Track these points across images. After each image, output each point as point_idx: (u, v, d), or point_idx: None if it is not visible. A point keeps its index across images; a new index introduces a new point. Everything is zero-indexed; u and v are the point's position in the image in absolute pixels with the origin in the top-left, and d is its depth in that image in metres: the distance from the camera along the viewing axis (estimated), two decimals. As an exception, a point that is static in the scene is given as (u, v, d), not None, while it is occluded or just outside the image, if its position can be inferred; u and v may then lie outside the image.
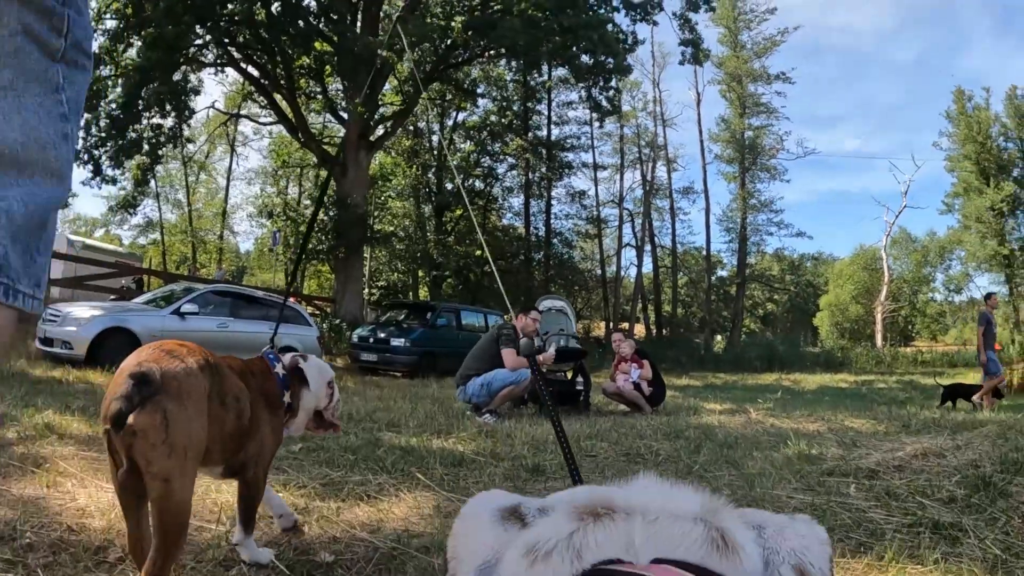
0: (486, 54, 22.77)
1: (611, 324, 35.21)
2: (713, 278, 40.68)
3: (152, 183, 34.71)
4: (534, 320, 7.64)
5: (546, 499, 0.72)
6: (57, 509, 2.48)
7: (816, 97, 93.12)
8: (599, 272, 39.57)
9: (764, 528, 0.67)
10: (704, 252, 39.10)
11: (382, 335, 15.66)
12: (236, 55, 21.30)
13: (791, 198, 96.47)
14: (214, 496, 2.85)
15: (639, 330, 36.62)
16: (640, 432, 5.66)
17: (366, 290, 24.12)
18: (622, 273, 40.39)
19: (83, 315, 9.67)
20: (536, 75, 31.80)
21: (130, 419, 1.70)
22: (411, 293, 32.14)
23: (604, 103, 23.06)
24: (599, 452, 4.80)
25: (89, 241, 27.64)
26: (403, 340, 15.19)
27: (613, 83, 22.83)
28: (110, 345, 9.36)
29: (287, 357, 2.54)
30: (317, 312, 21.63)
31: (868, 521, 2.81)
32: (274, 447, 2.36)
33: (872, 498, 3.18)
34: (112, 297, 14.12)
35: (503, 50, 21.46)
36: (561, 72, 30.58)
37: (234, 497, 2.35)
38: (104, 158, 19.82)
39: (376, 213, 28.96)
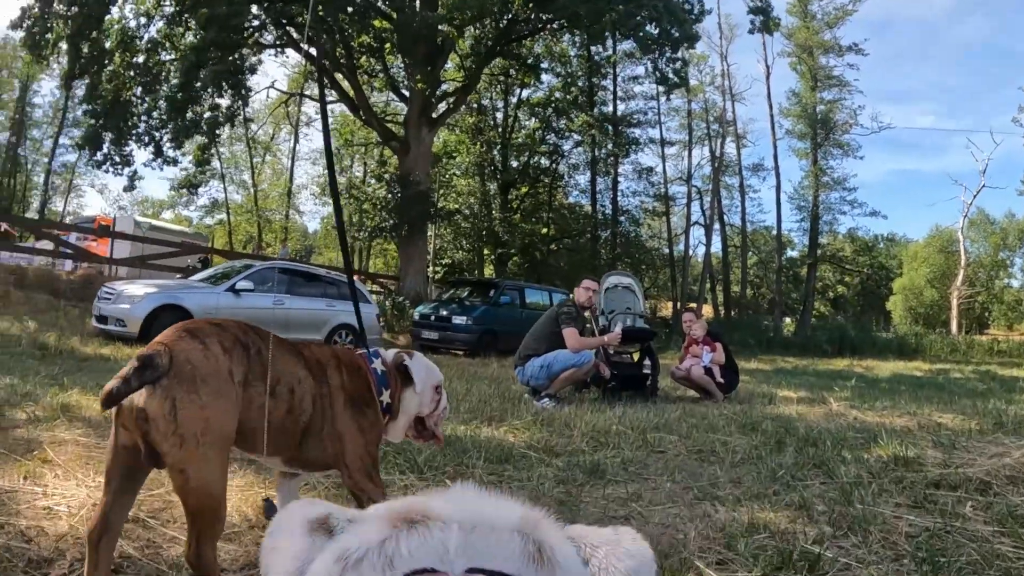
0: (548, 27, 22.24)
1: (679, 304, 34.34)
2: (783, 258, 39.39)
3: (217, 164, 35.58)
4: (586, 290, 7.08)
5: (359, 511, 0.68)
6: (22, 506, 2.26)
7: (888, 72, 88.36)
8: (666, 251, 38.62)
9: (597, 548, 0.66)
10: (774, 231, 37.83)
11: (444, 313, 15.50)
12: (295, 36, 21.34)
13: (864, 176, 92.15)
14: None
15: (707, 311, 35.68)
16: (712, 424, 5.19)
17: (430, 268, 24.05)
18: (690, 252, 39.25)
19: (136, 293, 9.65)
20: (600, 49, 31.07)
21: (140, 403, 1.63)
22: (476, 271, 32.00)
23: (671, 75, 22.26)
24: (668, 448, 4.33)
25: (156, 222, 28.24)
26: (464, 318, 15.00)
27: (680, 54, 21.99)
28: (163, 322, 9.14)
29: (390, 353, 2.33)
30: (381, 290, 21.62)
31: (998, 557, 2.29)
32: (365, 449, 2.13)
33: (994, 521, 2.65)
34: (178, 276, 14.22)
35: (565, 22, 20.90)
36: (626, 46, 30.06)
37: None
38: (164, 139, 20.14)
39: (440, 191, 28.85)
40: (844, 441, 4.47)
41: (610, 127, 32.34)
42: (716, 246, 38.52)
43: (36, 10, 18.01)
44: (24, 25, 18.26)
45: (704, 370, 7.68)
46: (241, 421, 1.78)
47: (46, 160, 42.07)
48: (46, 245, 16.37)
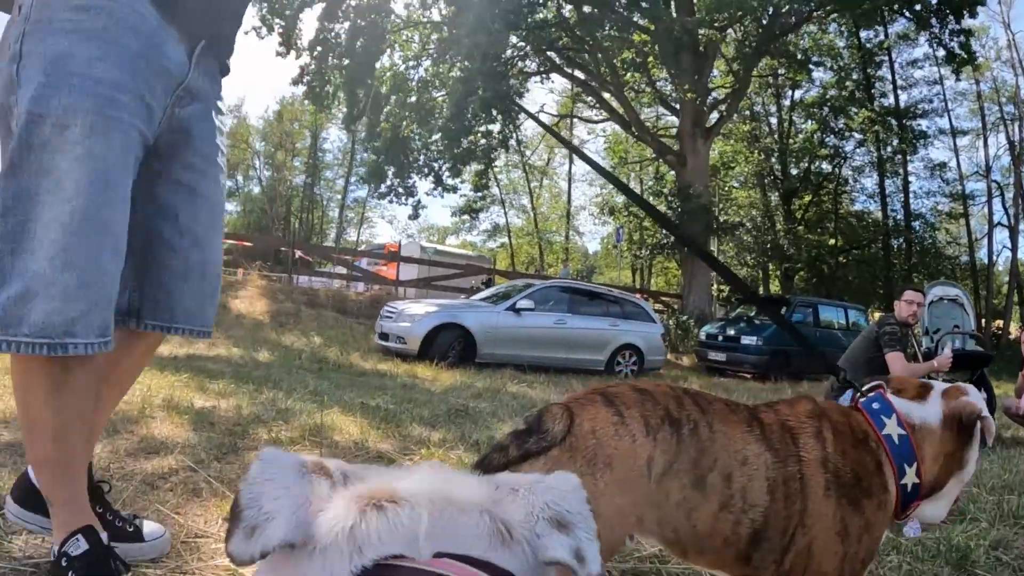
0: (814, 15, 20.40)
1: (984, 320, 29.02)
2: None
3: (496, 190, 37.59)
4: (910, 303, 5.92)
5: (351, 467, 0.66)
6: (204, 559, 1.82)
7: None
8: (966, 258, 32.98)
9: (518, 490, 0.66)
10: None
11: (731, 332, 14.61)
12: (558, 60, 21.75)
13: None
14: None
15: (1012, 329, 30.01)
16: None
17: (714, 286, 23.13)
18: (993, 258, 33.45)
19: (417, 311, 10.00)
20: (871, 34, 27.99)
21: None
22: (760, 287, 30.21)
23: (957, 49, 19.12)
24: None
25: (441, 247, 30.47)
26: (754, 338, 14.00)
27: (961, 24, 18.85)
28: (442, 340, 9.57)
29: (932, 402, 1.55)
30: (664, 309, 21.15)
31: None
32: (856, 561, 1.41)
33: None
34: (462, 296, 14.94)
35: (832, 6, 19.03)
36: (899, 27, 27.06)
37: None
38: (443, 169, 21.57)
39: (720, 204, 27.74)
40: None
41: (893, 121, 28.78)
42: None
43: (312, 66, 20.31)
44: (304, 80, 20.70)
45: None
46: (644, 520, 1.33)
47: (339, 196, 48.32)
48: (340, 270, 18.29)
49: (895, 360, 5.49)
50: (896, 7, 19.70)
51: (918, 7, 18.76)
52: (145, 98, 1.44)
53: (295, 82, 20.84)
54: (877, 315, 20.97)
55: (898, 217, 30.89)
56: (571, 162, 41.70)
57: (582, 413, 1.32)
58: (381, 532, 0.57)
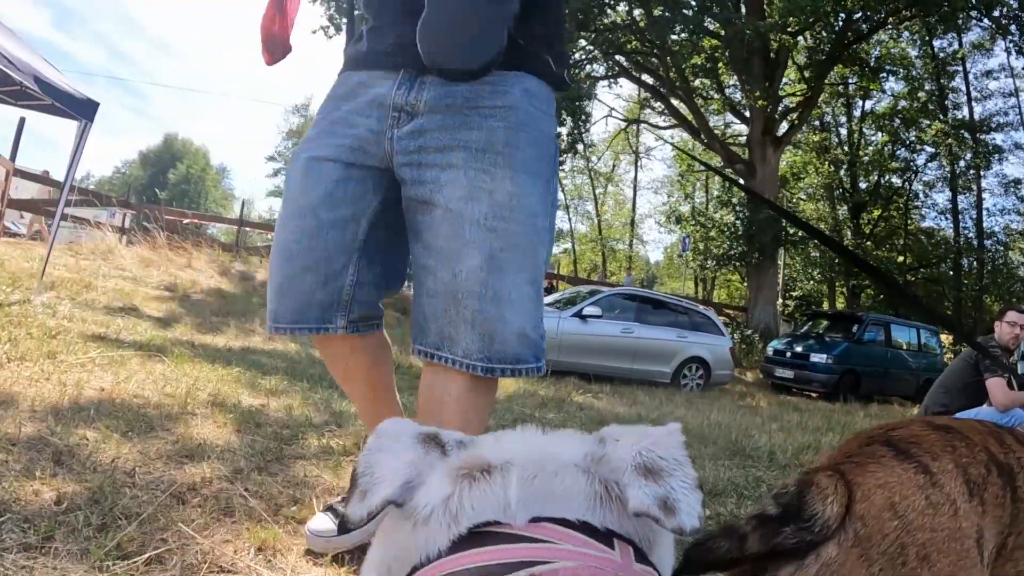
0: (888, 20, 19.55)
1: None
2: None
3: (560, 195, 37.21)
4: (1012, 325, 5.34)
5: (467, 435, 0.69)
6: None
7: None
8: None
9: (615, 444, 0.65)
10: None
11: (799, 349, 14.02)
12: (626, 64, 21.31)
13: None
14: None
15: None
16: None
17: (779, 300, 22.42)
18: None
19: None
20: (945, 44, 26.90)
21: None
22: (825, 304, 29.19)
23: None
24: None
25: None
26: (824, 356, 13.40)
27: None
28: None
29: None
30: (728, 322, 20.55)
31: None
32: None
33: None
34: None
35: (909, 9, 18.20)
36: (973, 36, 26.15)
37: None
38: (512, 173, 21.34)
39: (788, 216, 26.89)
40: None
41: (967, 134, 27.37)
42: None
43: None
44: None
45: None
46: None
47: None
48: None
49: (996, 386, 4.94)
50: (974, 13, 18.79)
51: (997, 12, 17.83)
52: (347, 136, 1.58)
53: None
54: (945, 337, 20.01)
55: (970, 235, 29.49)
56: (637, 169, 41.26)
57: (866, 479, 0.88)
58: (474, 501, 0.59)
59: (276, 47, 1.83)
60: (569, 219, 42.87)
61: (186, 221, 16.36)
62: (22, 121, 11.41)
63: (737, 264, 21.92)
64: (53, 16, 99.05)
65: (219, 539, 1.69)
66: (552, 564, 0.53)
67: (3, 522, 1.55)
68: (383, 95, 1.54)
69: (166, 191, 48.10)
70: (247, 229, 21.22)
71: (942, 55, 27.66)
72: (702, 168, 32.23)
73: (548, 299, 11.93)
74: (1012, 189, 29.75)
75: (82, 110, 6.09)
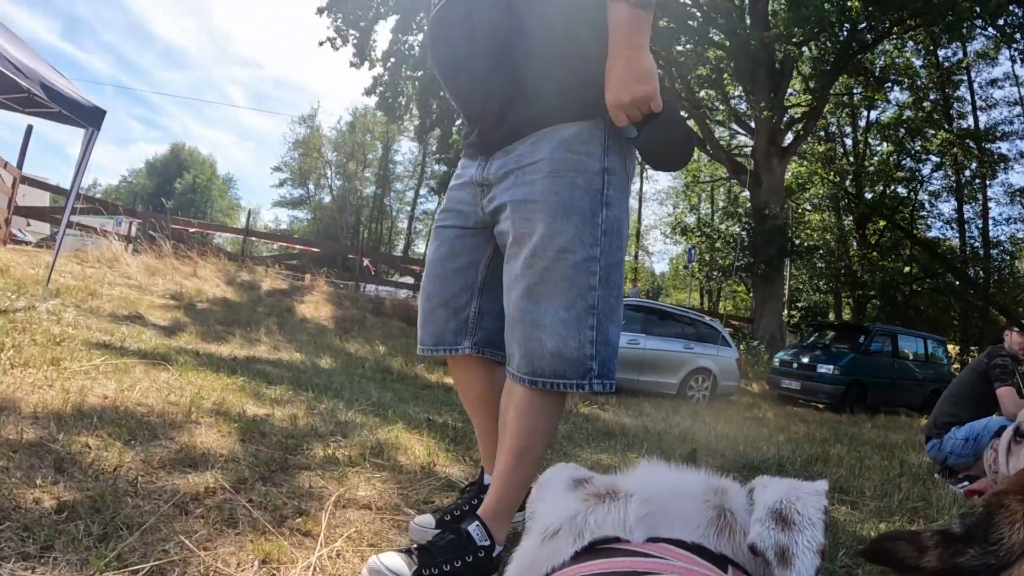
0: (893, 30, 19.54)
1: None
2: None
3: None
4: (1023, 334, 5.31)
5: (614, 478, 0.74)
6: None
7: None
8: None
9: (766, 488, 0.67)
10: None
11: (806, 360, 13.93)
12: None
13: None
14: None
15: None
16: None
17: (785, 311, 22.32)
18: None
19: None
20: (949, 53, 26.89)
21: None
22: (831, 315, 29.07)
23: None
24: None
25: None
26: (830, 367, 13.29)
27: None
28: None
29: None
30: (734, 333, 20.48)
31: None
32: None
33: None
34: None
35: (913, 20, 18.19)
36: (978, 46, 26.25)
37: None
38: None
39: (794, 227, 26.90)
40: None
41: (972, 144, 27.29)
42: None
43: (386, 77, 20.27)
44: (377, 91, 20.60)
45: None
46: None
47: (408, 208, 48.52)
48: (408, 280, 18.00)
49: (1007, 395, 4.89)
50: (979, 21, 18.78)
51: (1002, 21, 17.82)
52: (458, 209, 2.04)
53: (368, 93, 20.90)
54: (952, 348, 19.89)
55: (975, 244, 29.43)
56: (642, 180, 41.27)
57: None
58: (598, 519, 0.66)
59: None
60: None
61: (192, 230, 16.36)
62: (30, 128, 11.47)
63: (743, 275, 21.86)
64: (62, 26, 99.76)
65: (222, 551, 1.65)
66: (660, 575, 0.59)
67: (2, 530, 1.52)
68: (472, 175, 1.96)
69: (172, 200, 48.23)
70: (253, 239, 21.25)
71: (947, 64, 27.70)
72: (707, 179, 32.30)
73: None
74: (1018, 198, 29.75)
75: (89, 118, 6.09)
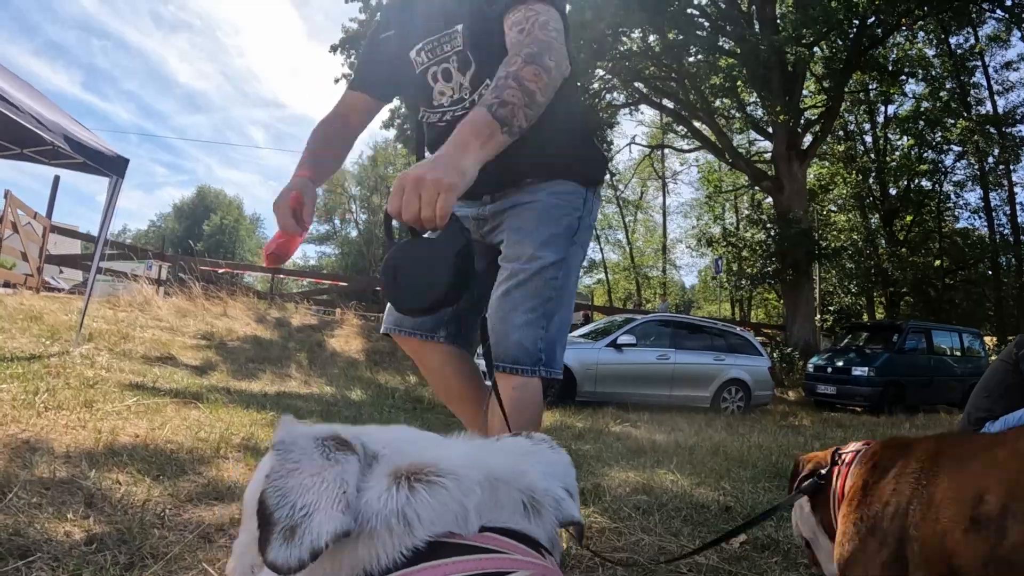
0: (902, 22, 19.37)
1: None
2: None
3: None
4: None
5: (365, 436, 0.62)
6: None
7: None
8: None
9: (528, 456, 0.69)
10: None
11: (840, 363, 13.71)
12: (645, 90, 21.40)
13: None
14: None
15: None
16: None
17: (817, 316, 22.01)
18: None
19: None
20: (961, 39, 26.50)
21: None
22: (864, 316, 28.62)
23: None
24: None
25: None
26: (865, 368, 13.10)
27: None
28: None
29: None
30: (767, 341, 20.26)
31: None
32: None
33: None
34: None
35: (921, 8, 18.05)
36: (989, 29, 26.00)
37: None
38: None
39: (820, 229, 26.63)
40: None
41: (992, 129, 26.80)
42: None
43: (403, 109, 20.49)
44: (395, 124, 20.82)
45: None
46: None
47: None
48: None
49: None
50: (987, 5, 18.57)
51: (1010, 2, 17.60)
52: None
53: (386, 126, 21.16)
54: (989, 340, 19.41)
55: (1005, 232, 28.88)
56: (664, 194, 41.18)
57: None
58: (432, 510, 0.55)
59: (279, 261, 2.10)
60: (600, 249, 42.79)
61: (221, 271, 16.63)
62: (57, 179, 11.79)
63: (772, 282, 21.61)
64: (84, 77, 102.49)
65: (244, 576, 1.69)
66: (515, 574, 0.53)
67: (33, 561, 1.57)
68: (467, 212, 2.18)
69: (201, 242, 49.11)
70: (282, 276, 21.52)
71: (959, 52, 27.28)
72: (730, 188, 32.13)
73: (582, 331, 11.77)
74: (1044, 182, 29.29)
75: (112, 167, 6.26)
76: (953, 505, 1.31)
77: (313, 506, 0.52)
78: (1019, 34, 21.90)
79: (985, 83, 28.70)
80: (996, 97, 28.83)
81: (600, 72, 20.04)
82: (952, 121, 26.54)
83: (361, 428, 0.64)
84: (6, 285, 10.75)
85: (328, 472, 0.54)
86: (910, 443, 1.58)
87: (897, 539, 1.40)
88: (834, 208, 30.73)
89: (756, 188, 24.52)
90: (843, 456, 1.76)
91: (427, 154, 1.95)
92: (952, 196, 30.16)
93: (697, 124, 22.34)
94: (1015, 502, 1.22)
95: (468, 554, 0.54)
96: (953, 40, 26.63)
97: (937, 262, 27.63)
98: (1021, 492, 1.23)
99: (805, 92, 22.34)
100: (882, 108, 29.18)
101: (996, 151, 27.22)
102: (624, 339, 10.28)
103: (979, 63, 28.24)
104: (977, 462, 1.36)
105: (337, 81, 19.74)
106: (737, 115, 23.28)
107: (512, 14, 1.84)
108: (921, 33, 24.67)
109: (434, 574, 0.52)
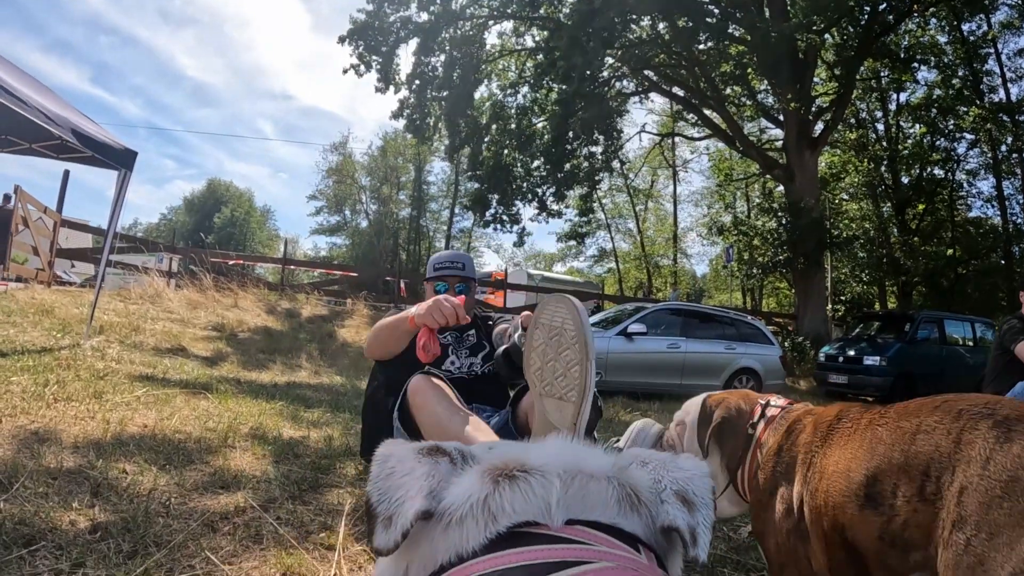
0: (915, 6, 19.14)
1: None
2: None
3: (601, 215, 37.32)
4: None
5: (471, 447, 0.70)
6: None
7: None
8: None
9: (648, 464, 0.69)
10: None
11: (852, 353, 13.62)
12: (655, 78, 21.30)
13: None
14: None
15: None
16: None
17: (829, 305, 21.87)
18: None
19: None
20: (974, 26, 25.99)
21: None
22: (876, 305, 28.43)
23: None
24: None
25: (548, 274, 30.38)
26: (877, 358, 13.00)
27: None
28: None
29: None
30: (778, 330, 20.16)
31: None
32: None
33: None
34: (568, 323, 14.51)
35: None
36: (1002, 16, 25.55)
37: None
38: (547, 194, 21.31)
39: (832, 218, 26.43)
40: None
41: (1006, 117, 26.42)
42: None
43: (412, 100, 20.47)
44: (404, 114, 20.83)
45: None
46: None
47: (445, 227, 48.97)
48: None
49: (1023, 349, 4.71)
50: None
51: None
52: None
53: (395, 116, 21.12)
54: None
55: (1018, 221, 28.46)
56: (675, 183, 40.96)
57: None
58: (515, 501, 0.61)
59: (431, 355, 2.17)
60: (611, 238, 42.65)
61: (231, 263, 16.67)
62: (66, 174, 11.84)
63: (783, 271, 21.47)
64: (92, 73, 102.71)
65: (246, 565, 1.69)
66: (594, 564, 0.56)
67: (37, 550, 1.57)
68: None
69: (212, 234, 49.29)
70: (292, 267, 21.56)
71: (972, 38, 26.88)
72: (741, 176, 31.91)
73: (593, 319, 11.74)
74: (1057, 170, 28.87)
75: (121, 160, 6.27)
76: (843, 479, 1.38)
77: (404, 496, 0.61)
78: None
79: (998, 70, 28.28)
80: (1009, 85, 28.34)
81: (610, 60, 19.94)
82: (965, 109, 26.21)
83: (498, 442, 0.71)
84: (18, 280, 10.82)
85: (418, 470, 0.63)
86: (817, 412, 1.66)
87: (798, 508, 1.43)
88: (846, 196, 30.45)
89: (767, 176, 24.33)
90: (768, 413, 1.78)
91: None
92: (965, 185, 29.82)
93: (708, 112, 22.16)
94: (901, 481, 1.28)
95: (549, 543, 0.58)
96: (966, 27, 26.24)
97: (949, 251, 27.37)
98: (906, 471, 1.28)
99: (816, 79, 22.13)
100: (894, 96, 28.82)
101: (1009, 139, 26.84)
102: (635, 328, 10.24)
103: (992, 50, 27.80)
104: (863, 438, 1.45)
105: (345, 72, 19.71)
106: (748, 103, 23.11)
107: None
108: (933, 20, 24.32)
109: (515, 559, 0.56)
